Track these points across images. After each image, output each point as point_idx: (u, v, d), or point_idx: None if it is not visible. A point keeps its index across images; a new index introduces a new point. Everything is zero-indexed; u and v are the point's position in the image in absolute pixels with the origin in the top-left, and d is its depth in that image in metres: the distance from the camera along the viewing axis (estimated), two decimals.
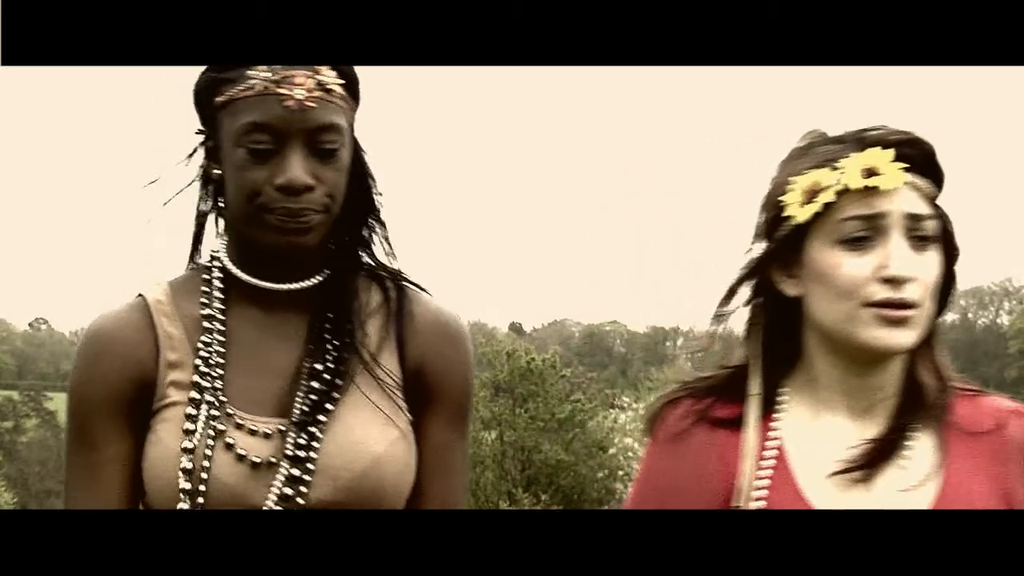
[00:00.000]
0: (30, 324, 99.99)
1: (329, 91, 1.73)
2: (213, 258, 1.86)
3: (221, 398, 1.76)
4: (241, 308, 1.84)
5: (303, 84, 1.70)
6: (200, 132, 1.83)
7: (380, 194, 1.89)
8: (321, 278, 1.84)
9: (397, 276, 1.90)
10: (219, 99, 1.75)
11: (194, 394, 1.76)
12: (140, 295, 1.85)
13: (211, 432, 1.73)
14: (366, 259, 1.90)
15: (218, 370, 1.78)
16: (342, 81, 1.75)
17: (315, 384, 1.77)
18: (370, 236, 1.89)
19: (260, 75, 1.71)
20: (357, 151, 1.84)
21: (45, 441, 48.12)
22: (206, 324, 1.81)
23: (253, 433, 1.75)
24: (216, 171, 1.81)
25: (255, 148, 1.72)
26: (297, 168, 1.71)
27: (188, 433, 1.73)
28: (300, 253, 1.78)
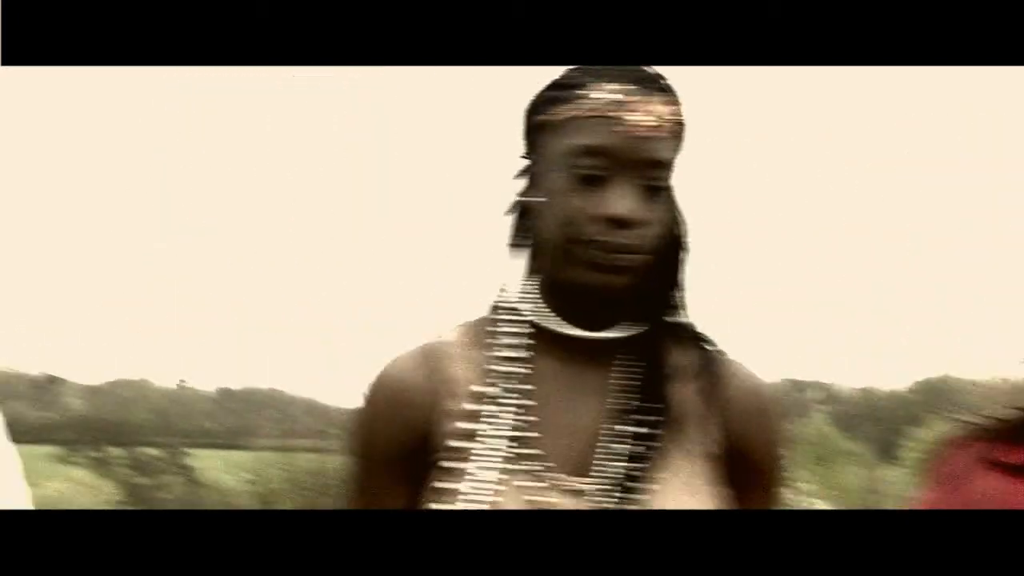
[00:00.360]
0: (176, 384, 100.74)
1: (669, 125, 1.66)
2: (514, 298, 1.77)
3: (531, 453, 1.68)
4: (538, 355, 1.74)
5: (650, 112, 1.63)
6: (524, 157, 1.74)
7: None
8: (632, 329, 1.74)
9: (702, 337, 1.78)
10: (546, 117, 1.68)
11: (492, 445, 1.69)
12: (433, 337, 1.78)
13: (518, 486, 1.66)
14: (675, 312, 1.78)
15: (521, 423, 1.69)
16: (681, 117, 1.68)
17: (625, 446, 1.69)
18: (681, 285, 1.77)
19: (602, 95, 1.63)
20: (670, 191, 1.72)
21: (186, 497, 49.18)
22: (504, 369, 1.72)
23: (562, 491, 1.68)
24: (536, 199, 1.70)
25: (584, 173, 1.63)
26: (630, 200, 1.63)
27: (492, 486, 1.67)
28: (612, 295, 1.68)
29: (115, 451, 52.38)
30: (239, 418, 65.53)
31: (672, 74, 1.68)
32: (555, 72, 1.69)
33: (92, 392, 69.58)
